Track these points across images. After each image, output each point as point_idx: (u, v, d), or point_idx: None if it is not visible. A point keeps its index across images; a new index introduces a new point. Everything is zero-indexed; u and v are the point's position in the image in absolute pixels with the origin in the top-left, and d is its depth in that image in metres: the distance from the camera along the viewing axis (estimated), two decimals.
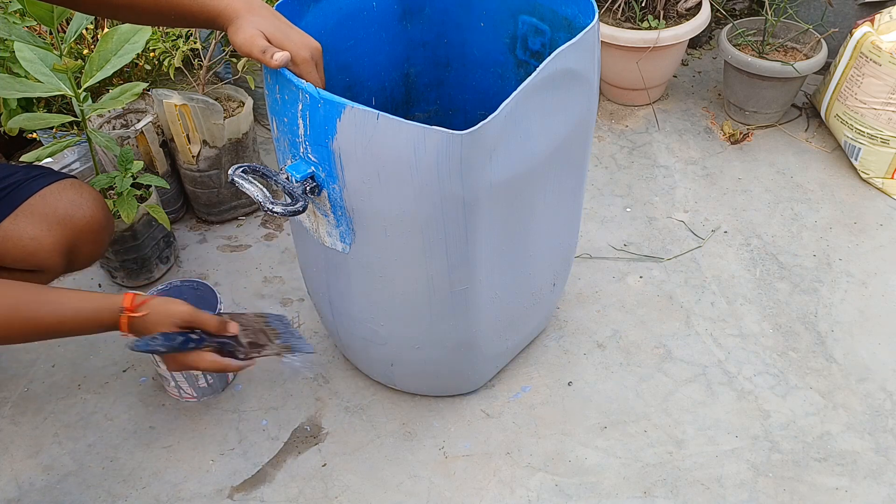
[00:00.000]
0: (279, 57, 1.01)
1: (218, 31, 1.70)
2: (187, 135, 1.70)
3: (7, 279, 1.08)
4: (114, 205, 1.52)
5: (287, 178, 1.09)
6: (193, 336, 1.10)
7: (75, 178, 1.34)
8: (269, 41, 1.02)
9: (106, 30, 1.59)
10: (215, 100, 1.75)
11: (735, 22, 2.10)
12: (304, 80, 1.02)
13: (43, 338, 1.10)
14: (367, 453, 1.40)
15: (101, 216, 1.32)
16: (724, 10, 2.38)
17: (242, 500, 1.34)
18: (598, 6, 1.66)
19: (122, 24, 1.48)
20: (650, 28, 2.04)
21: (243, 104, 1.78)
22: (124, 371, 1.55)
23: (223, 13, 1.04)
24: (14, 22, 1.37)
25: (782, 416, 1.45)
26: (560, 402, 1.48)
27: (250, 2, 1.04)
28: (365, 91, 1.43)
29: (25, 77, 1.50)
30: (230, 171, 1.06)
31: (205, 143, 1.72)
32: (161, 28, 1.71)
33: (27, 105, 1.71)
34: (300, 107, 1.04)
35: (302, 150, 1.09)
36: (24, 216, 1.24)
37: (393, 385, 1.48)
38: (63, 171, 1.66)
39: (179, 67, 1.76)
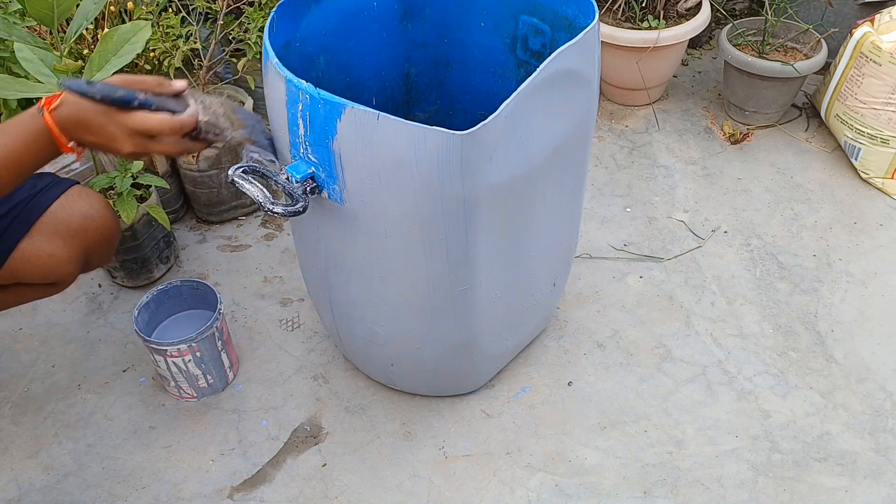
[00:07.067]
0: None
1: (218, 31, 1.70)
2: None
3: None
4: (114, 205, 1.52)
5: (287, 179, 1.09)
6: (139, 95, 0.97)
7: (77, 182, 1.34)
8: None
9: (106, 30, 1.59)
10: None
11: (735, 22, 2.10)
12: (303, 81, 1.02)
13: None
14: (367, 453, 1.40)
15: (111, 223, 1.33)
16: (724, 10, 2.38)
17: (242, 500, 1.34)
18: (598, 6, 1.66)
19: (122, 24, 1.48)
20: (650, 28, 2.04)
21: (243, 104, 1.78)
22: (124, 371, 1.55)
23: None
24: (14, 22, 1.37)
25: (782, 416, 1.45)
26: (560, 402, 1.48)
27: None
28: (365, 91, 1.43)
29: (26, 77, 1.50)
30: (230, 171, 1.06)
31: None
32: (161, 28, 1.70)
33: (27, 105, 1.70)
34: (300, 107, 1.04)
35: (302, 150, 1.09)
36: (39, 235, 1.24)
37: (393, 385, 1.48)
38: (63, 171, 1.66)
39: (179, 67, 1.76)
